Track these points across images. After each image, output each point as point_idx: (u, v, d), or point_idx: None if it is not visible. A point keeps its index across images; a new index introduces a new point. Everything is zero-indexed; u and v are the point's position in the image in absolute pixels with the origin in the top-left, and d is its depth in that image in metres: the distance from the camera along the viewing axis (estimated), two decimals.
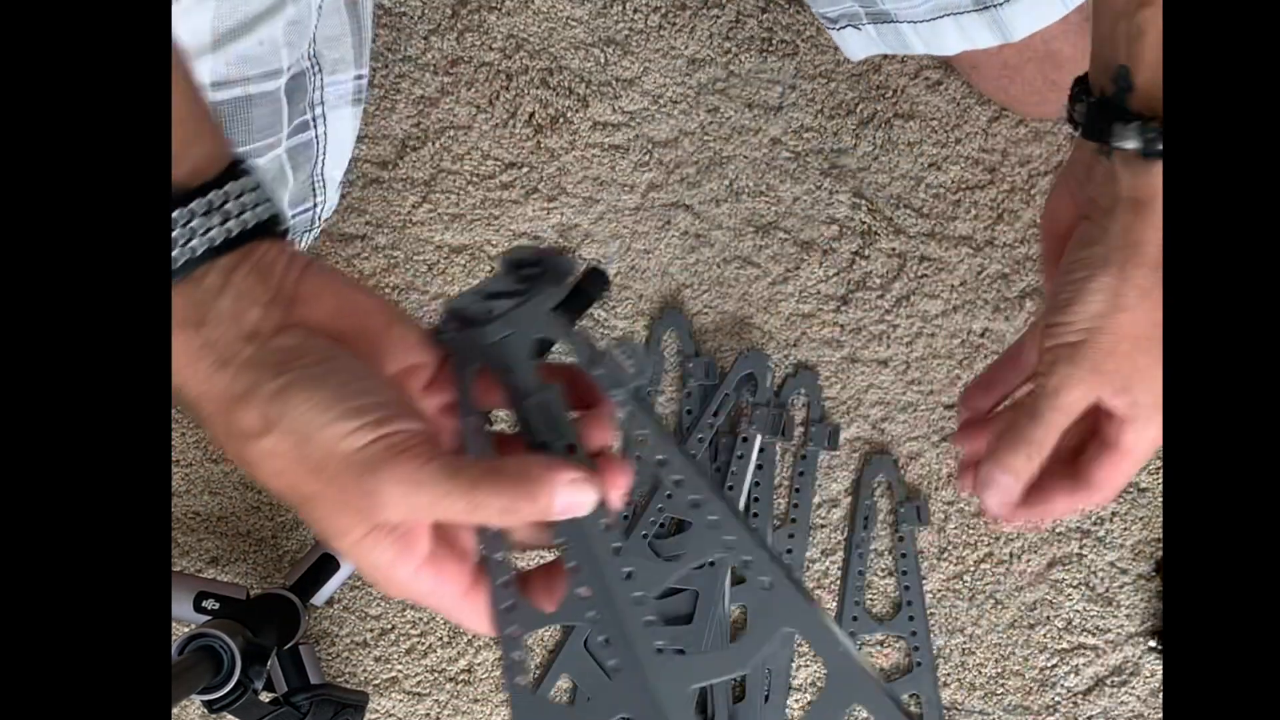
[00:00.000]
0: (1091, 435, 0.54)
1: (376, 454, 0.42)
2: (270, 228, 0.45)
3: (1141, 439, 0.52)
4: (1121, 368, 0.51)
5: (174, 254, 0.42)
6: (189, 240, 0.42)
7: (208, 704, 0.76)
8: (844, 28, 0.86)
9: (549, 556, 0.48)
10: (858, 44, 0.87)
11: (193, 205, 0.43)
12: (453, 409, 0.48)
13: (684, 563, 0.46)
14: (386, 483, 0.42)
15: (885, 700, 0.44)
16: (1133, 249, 0.50)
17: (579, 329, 0.47)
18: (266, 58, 0.70)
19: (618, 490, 0.46)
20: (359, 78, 0.83)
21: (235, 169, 0.44)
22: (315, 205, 0.83)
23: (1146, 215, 0.50)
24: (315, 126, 0.80)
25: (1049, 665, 0.92)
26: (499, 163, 0.96)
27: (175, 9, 0.64)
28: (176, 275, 0.42)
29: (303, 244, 0.81)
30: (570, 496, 0.43)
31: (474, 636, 0.94)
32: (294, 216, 0.78)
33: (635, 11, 0.97)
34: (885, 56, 0.93)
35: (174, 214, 0.42)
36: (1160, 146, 0.49)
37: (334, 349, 0.44)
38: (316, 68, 0.78)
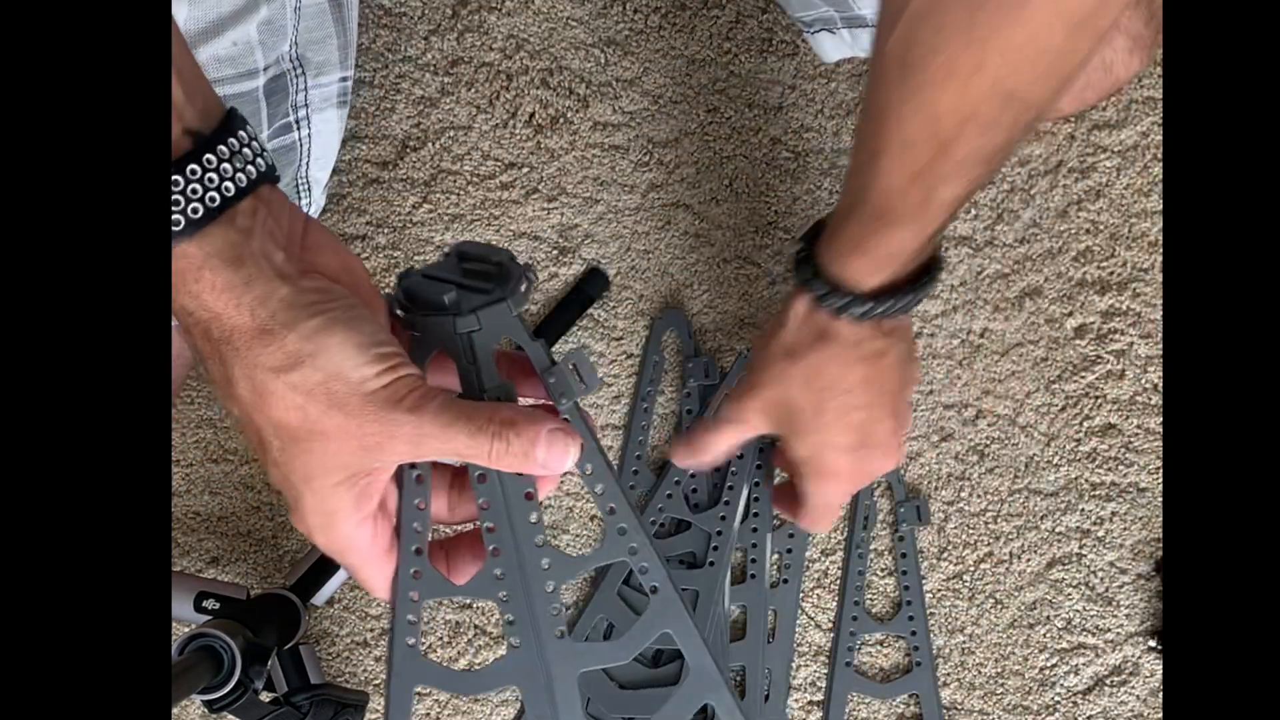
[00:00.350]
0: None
1: (395, 392, 0.46)
2: (272, 173, 0.48)
3: (803, 490, 0.76)
4: (768, 412, 0.73)
5: (211, 194, 0.45)
6: (222, 181, 0.45)
7: (208, 704, 0.76)
8: (818, 31, 0.87)
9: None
10: (832, 47, 0.88)
11: (218, 148, 0.45)
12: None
13: (590, 561, 0.52)
14: (401, 414, 0.46)
15: (731, 701, 0.52)
16: (781, 355, 0.72)
17: (538, 340, 0.51)
18: (240, 58, 0.70)
19: (549, 485, 0.51)
20: (344, 80, 0.83)
21: (236, 116, 0.47)
22: (301, 208, 0.83)
23: (793, 331, 0.71)
24: (299, 129, 0.80)
25: (1049, 665, 0.92)
26: (499, 163, 0.96)
27: None
28: (214, 215, 0.45)
29: None
30: (555, 444, 0.48)
31: (474, 636, 0.94)
32: None
33: (635, 12, 0.97)
34: None
35: (206, 157, 0.45)
36: (825, 298, 0.68)
37: (351, 296, 0.48)
38: (299, 70, 0.78)
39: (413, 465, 0.51)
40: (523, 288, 0.51)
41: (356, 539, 0.50)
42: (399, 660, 0.52)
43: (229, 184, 0.45)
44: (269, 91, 0.74)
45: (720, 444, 0.76)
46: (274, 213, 0.47)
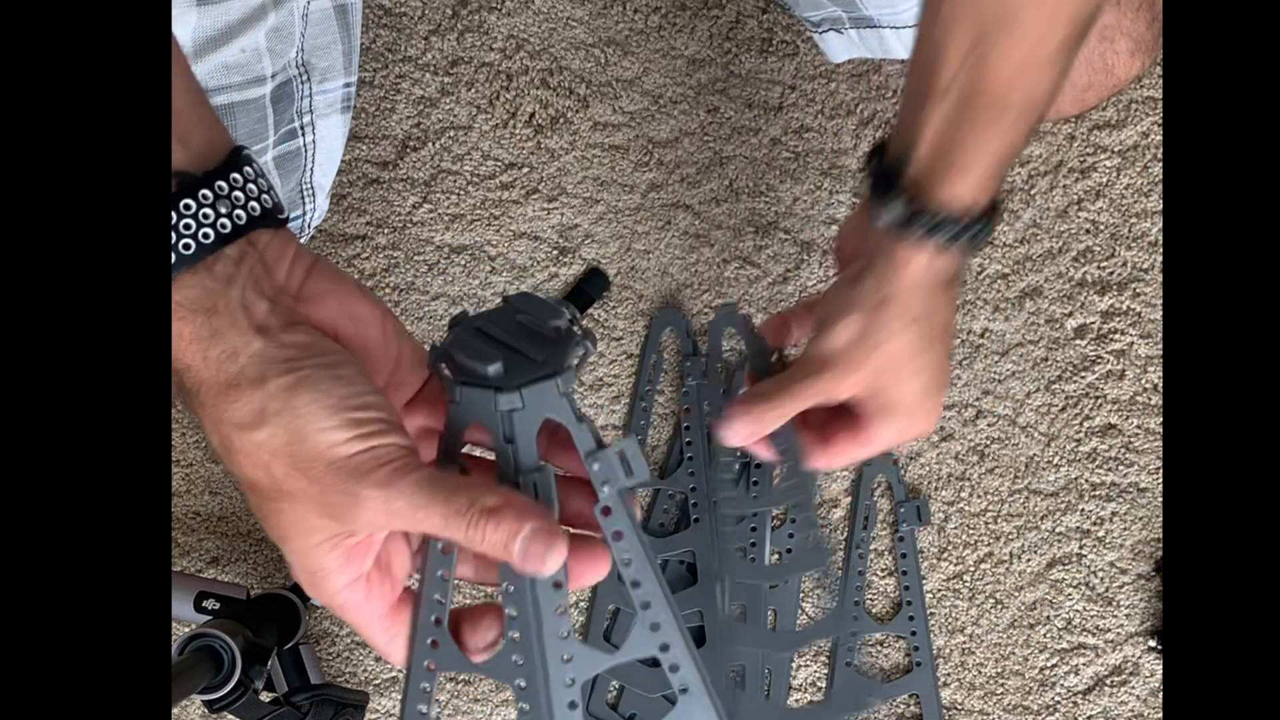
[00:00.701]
0: (844, 411, 0.65)
1: (364, 463, 0.43)
2: (273, 216, 0.46)
3: (876, 434, 0.64)
4: (865, 380, 0.62)
5: (185, 241, 0.43)
6: (200, 228, 0.43)
7: (208, 704, 0.76)
8: (826, 31, 0.87)
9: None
10: (839, 47, 0.87)
11: (202, 192, 0.43)
12: (430, 434, 0.49)
13: (617, 657, 0.48)
14: (368, 489, 0.43)
15: None
16: (880, 302, 0.60)
17: (586, 418, 0.47)
18: (249, 65, 0.70)
19: (585, 578, 0.47)
20: (348, 85, 0.83)
21: (238, 156, 0.45)
22: (304, 213, 0.83)
23: (897, 275, 0.60)
24: (304, 135, 0.80)
25: (1049, 665, 0.92)
26: (499, 163, 0.96)
27: None
28: (190, 262, 0.43)
29: None
30: (534, 546, 0.44)
31: None
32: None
33: (635, 12, 0.97)
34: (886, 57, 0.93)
35: (184, 201, 0.43)
36: (916, 227, 0.58)
37: (341, 352, 0.45)
38: (305, 76, 0.78)
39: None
40: (575, 362, 0.47)
41: (349, 600, 0.47)
42: None
43: (208, 230, 0.43)
44: (275, 98, 0.74)
45: (795, 401, 0.64)
46: (266, 259, 0.45)
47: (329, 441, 0.43)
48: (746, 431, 0.64)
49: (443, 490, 0.44)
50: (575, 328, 0.48)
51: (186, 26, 0.66)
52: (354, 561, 0.46)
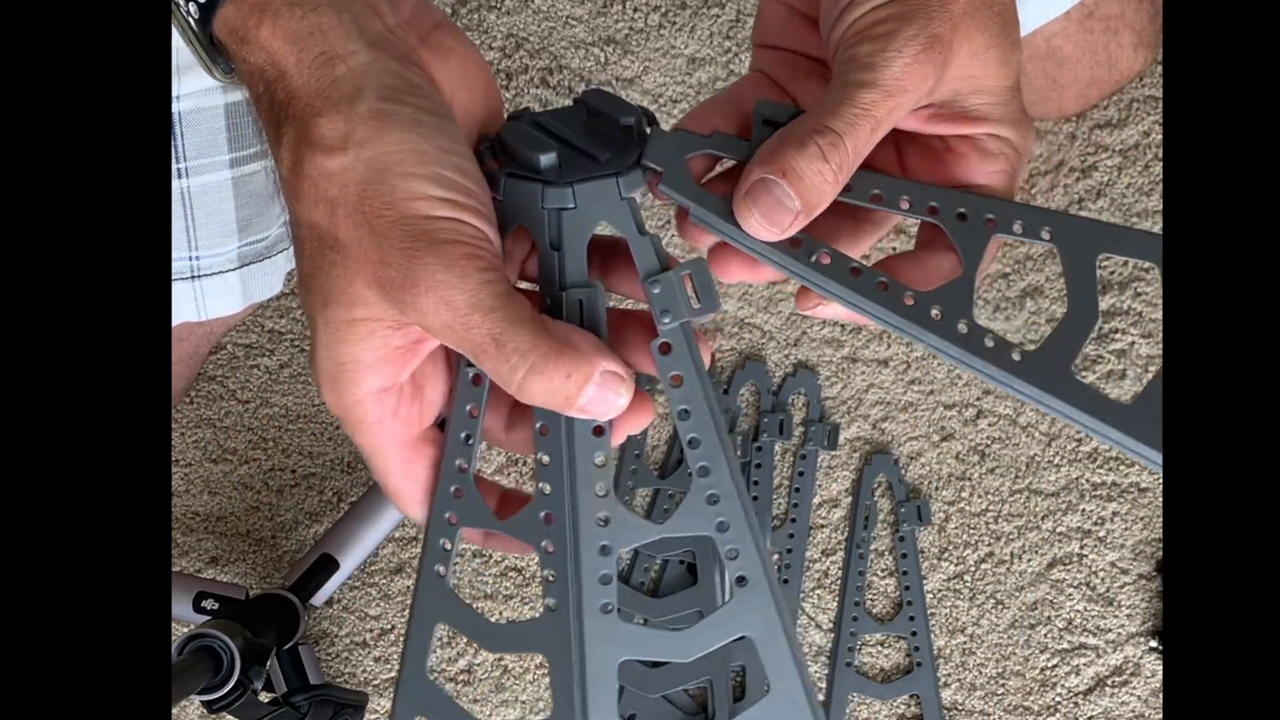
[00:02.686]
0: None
1: (440, 230, 0.37)
2: None
3: (1006, 145, 0.43)
4: (959, 35, 0.40)
5: None
6: None
7: (207, 704, 0.76)
8: None
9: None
10: None
11: None
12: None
13: (667, 529, 0.41)
14: (433, 262, 0.37)
15: None
16: None
17: (650, 231, 0.40)
18: None
19: (624, 428, 0.40)
20: None
21: None
22: None
23: None
24: None
25: (1049, 665, 0.92)
26: None
27: None
28: None
29: None
30: (604, 390, 0.38)
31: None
32: None
33: (635, 10, 0.97)
34: None
35: None
36: None
37: (450, 112, 0.39)
38: None
39: (470, 362, 0.41)
40: (644, 164, 0.41)
41: (371, 412, 0.40)
42: (424, 590, 0.42)
43: None
44: None
45: (883, 117, 0.40)
46: None
47: (409, 191, 0.37)
48: (779, 193, 0.39)
49: (513, 306, 0.37)
50: (646, 127, 0.42)
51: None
52: (389, 365, 0.39)
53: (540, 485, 0.40)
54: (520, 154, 0.40)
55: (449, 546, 0.42)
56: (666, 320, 0.40)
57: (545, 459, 0.40)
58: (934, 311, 0.41)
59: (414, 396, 0.41)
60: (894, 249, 0.93)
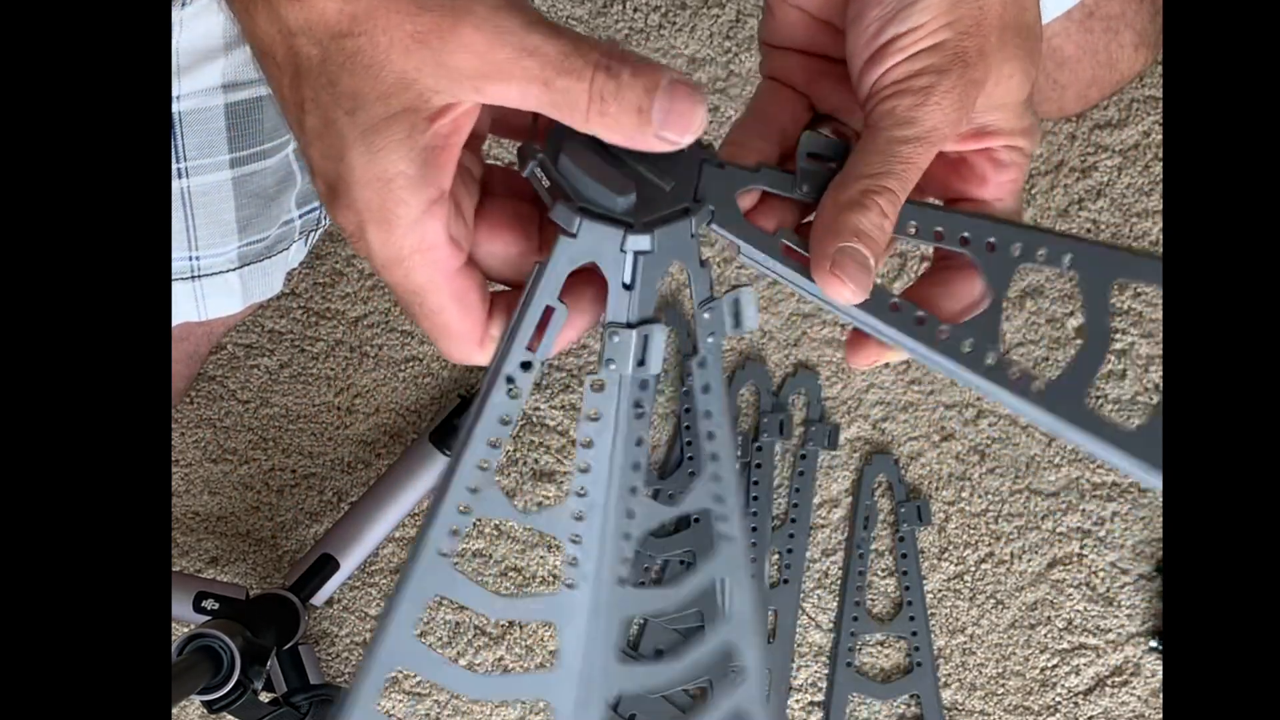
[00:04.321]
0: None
1: None
2: None
3: (1018, 154, 0.44)
4: (991, 71, 0.41)
5: None
6: None
7: (207, 704, 0.76)
8: None
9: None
10: None
11: None
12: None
13: (684, 505, 0.44)
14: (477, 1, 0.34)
15: (758, 645, 0.45)
16: None
17: (707, 260, 0.41)
18: None
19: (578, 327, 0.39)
20: None
21: None
22: (322, 205, 0.83)
23: None
24: None
25: (1050, 665, 0.92)
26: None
27: (187, 11, 0.65)
28: None
29: (307, 244, 0.81)
30: (677, 101, 0.35)
31: (474, 636, 0.94)
32: (300, 216, 0.78)
33: (635, 10, 0.97)
34: None
35: None
36: None
37: None
38: None
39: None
40: (706, 191, 0.40)
41: (429, 233, 0.37)
42: (421, 565, 0.42)
43: None
44: None
45: (911, 166, 0.41)
46: None
47: None
48: (860, 258, 0.40)
49: (566, 32, 0.35)
50: (699, 143, 0.40)
51: (219, 18, 0.66)
52: (433, 169, 0.37)
53: (577, 488, 0.41)
54: (594, 192, 0.39)
55: (456, 529, 0.41)
56: (710, 340, 0.42)
57: (584, 463, 0.41)
58: (965, 345, 0.42)
59: (456, 211, 0.39)
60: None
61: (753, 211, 0.43)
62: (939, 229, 0.43)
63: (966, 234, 0.44)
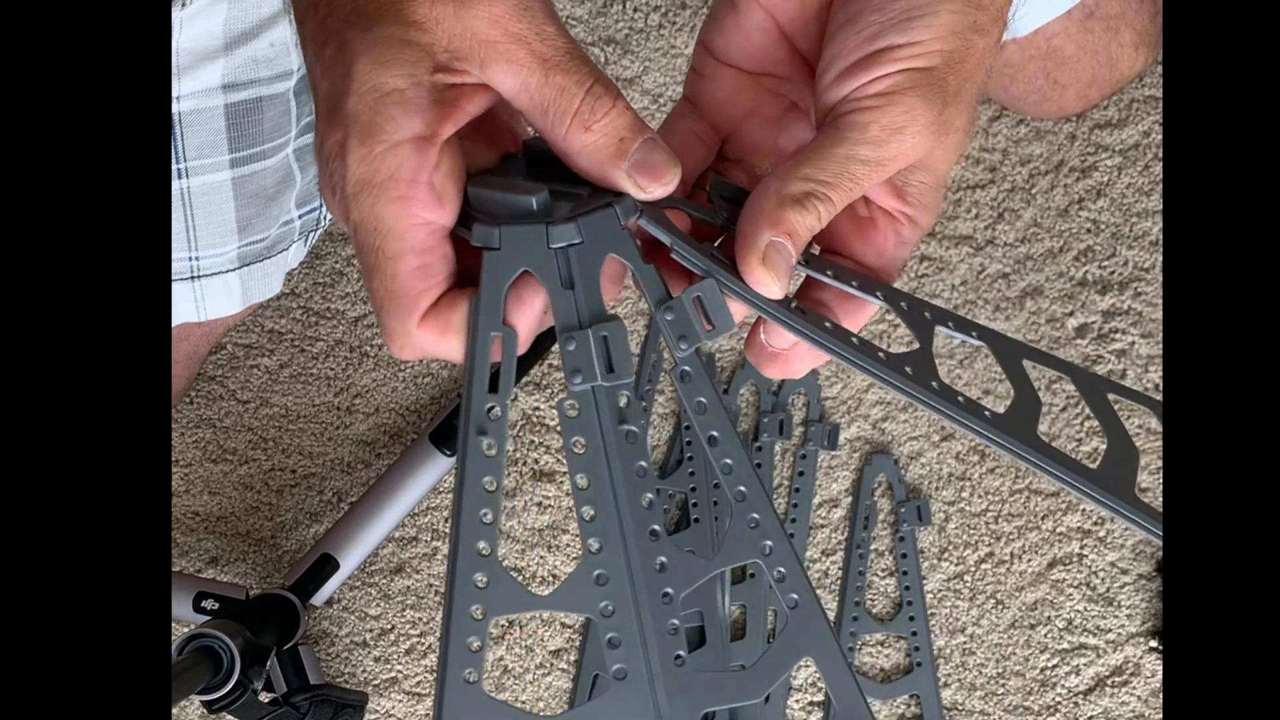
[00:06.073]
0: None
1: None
2: None
3: (917, 231, 0.44)
4: (963, 105, 0.41)
5: None
6: None
7: (207, 704, 0.76)
8: None
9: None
10: None
11: None
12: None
13: (720, 560, 0.38)
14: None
15: None
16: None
17: (650, 264, 0.39)
18: (277, 60, 0.70)
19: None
20: None
21: None
22: (321, 205, 0.83)
23: None
24: None
25: (1050, 665, 0.92)
26: None
27: (187, 12, 0.65)
28: None
29: (307, 244, 0.81)
30: (655, 154, 0.36)
31: None
32: (300, 216, 0.78)
33: (635, 10, 0.97)
34: None
35: None
36: None
37: None
38: None
39: (480, 429, 0.38)
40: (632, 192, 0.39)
41: (407, 163, 0.36)
42: (451, 698, 0.39)
43: None
44: (298, 90, 0.74)
45: (855, 175, 0.41)
46: None
47: None
48: (787, 255, 0.40)
49: (569, 42, 0.36)
50: None
51: (218, 18, 0.66)
52: (430, 111, 0.36)
53: (589, 543, 0.38)
54: (505, 202, 0.38)
55: (478, 646, 0.37)
56: (684, 346, 0.39)
57: (590, 512, 0.38)
58: (906, 368, 0.42)
59: (446, 176, 0.38)
60: None
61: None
62: (855, 281, 0.43)
63: (881, 292, 0.43)
